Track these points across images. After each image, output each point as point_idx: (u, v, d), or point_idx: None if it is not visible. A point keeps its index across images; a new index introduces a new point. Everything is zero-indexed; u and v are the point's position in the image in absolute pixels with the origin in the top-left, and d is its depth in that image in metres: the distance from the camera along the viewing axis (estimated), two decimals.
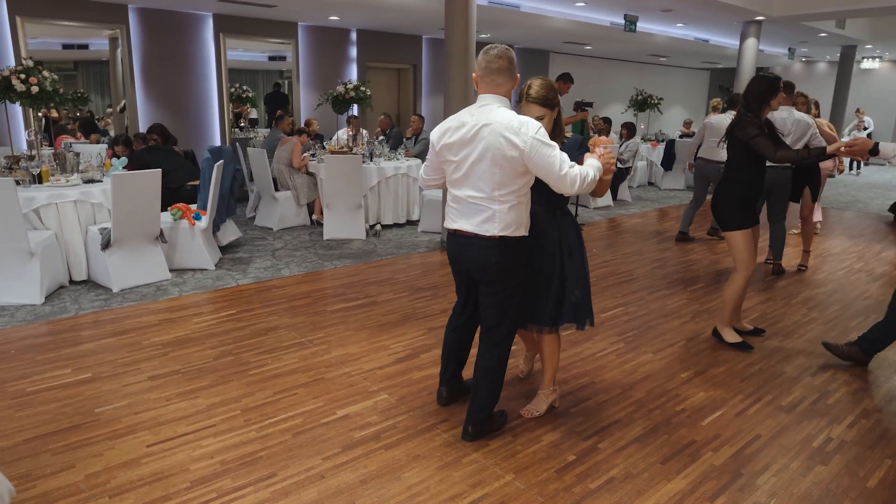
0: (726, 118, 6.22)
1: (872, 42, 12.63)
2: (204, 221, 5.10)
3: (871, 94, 16.29)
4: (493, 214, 2.47)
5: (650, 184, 11.53)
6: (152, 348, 3.58)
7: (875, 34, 12.35)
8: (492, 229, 2.49)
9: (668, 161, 10.90)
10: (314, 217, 7.14)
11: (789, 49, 13.72)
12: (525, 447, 2.71)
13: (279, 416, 2.87)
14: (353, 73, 10.04)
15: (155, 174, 4.53)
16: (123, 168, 5.05)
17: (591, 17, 9.89)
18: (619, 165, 9.41)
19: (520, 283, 2.66)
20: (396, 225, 7.28)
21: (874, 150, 3.27)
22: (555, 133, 2.68)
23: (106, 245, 4.38)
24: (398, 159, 7.35)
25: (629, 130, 10.14)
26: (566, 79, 7.15)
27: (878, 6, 8.66)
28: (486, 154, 2.42)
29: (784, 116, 5.39)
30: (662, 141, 11.73)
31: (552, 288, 2.78)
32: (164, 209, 5.14)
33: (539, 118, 2.59)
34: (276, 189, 6.99)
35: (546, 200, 2.74)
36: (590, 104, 7.20)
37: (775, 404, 3.22)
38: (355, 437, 2.73)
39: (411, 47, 10.87)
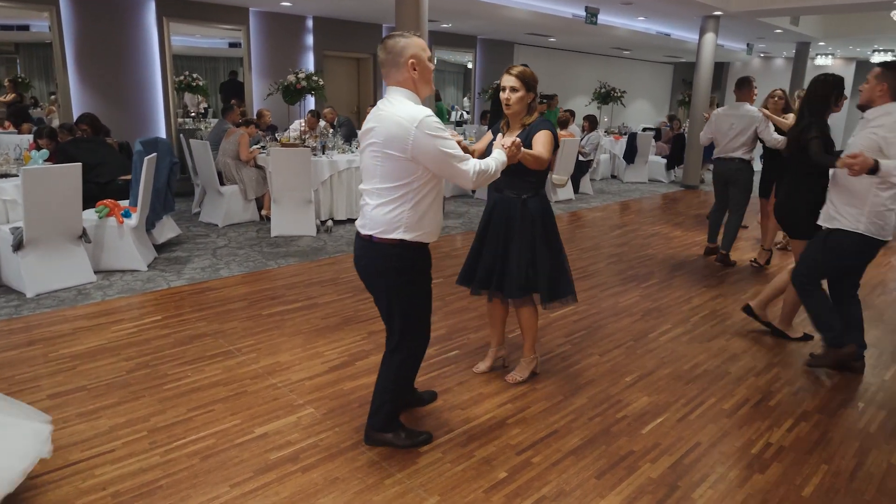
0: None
1: (825, 39, 12.81)
2: (134, 219, 4.81)
3: None
4: (367, 211, 2.36)
5: (613, 177, 11.51)
6: (59, 361, 3.31)
7: (827, 32, 12.52)
8: (364, 228, 2.38)
9: (631, 154, 10.88)
10: (263, 212, 6.87)
11: (748, 44, 13.83)
12: (455, 464, 2.55)
13: (189, 437, 2.65)
14: (309, 62, 9.73)
15: (74, 168, 4.23)
16: (45, 161, 4.73)
17: (552, 9, 9.75)
18: (581, 158, 9.34)
19: (401, 295, 2.40)
20: (350, 220, 7.05)
21: (874, 169, 2.94)
22: (527, 116, 2.97)
23: (18, 246, 4.07)
24: (353, 152, 7.11)
25: (590, 123, 10.08)
26: None
27: (828, 4, 8.72)
28: (374, 145, 2.29)
29: (728, 112, 5.42)
30: (625, 134, 11.71)
31: (518, 264, 3.02)
32: (92, 206, 4.84)
33: (513, 89, 2.89)
34: (222, 183, 6.69)
35: (511, 186, 3.00)
36: (549, 97, 7.06)
37: (718, 408, 3.12)
38: (271, 458, 2.53)
39: (371, 36, 10.58)
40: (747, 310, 4.22)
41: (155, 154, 5.05)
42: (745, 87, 5.44)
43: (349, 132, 7.96)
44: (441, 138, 2.22)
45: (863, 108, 3.38)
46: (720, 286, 5.15)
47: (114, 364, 3.30)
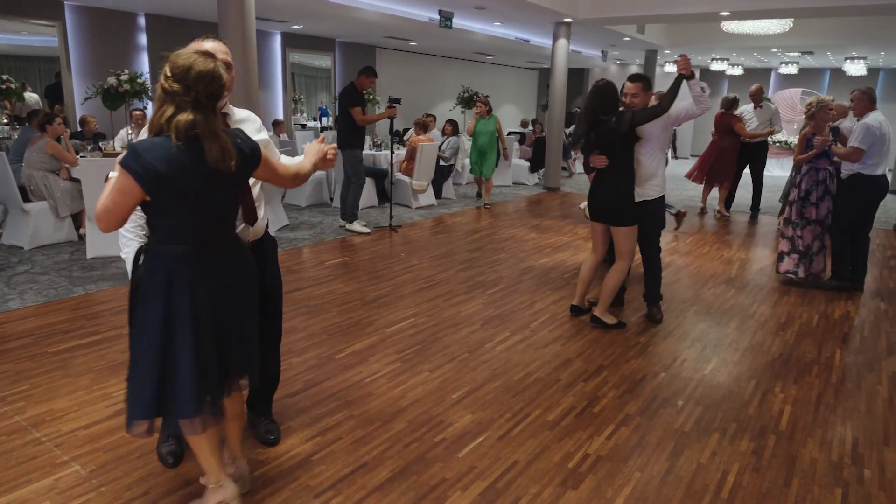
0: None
1: (670, 48, 13.73)
2: None
3: None
4: None
5: None
6: None
7: (671, 41, 13.44)
8: None
9: (503, 153, 10.96)
10: (81, 231, 6.09)
11: (602, 51, 14.54)
12: None
13: None
14: (144, 64, 8.88)
15: None
16: None
17: (406, 12, 9.62)
18: (442, 163, 9.26)
19: None
20: None
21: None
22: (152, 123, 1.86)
23: None
24: None
25: (452, 127, 10.04)
26: (369, 73, 6.76)
27: (663, 14, 9.28)
28: None
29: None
30: None
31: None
32: None
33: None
34: (27, 199, 5.85)
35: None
36: (398, 100, 6.86)
37: (541, 420, 3.02)
38: None
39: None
40: (596, 320, 4.30)
41: None
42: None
43: None
44: None
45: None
46: (565, 288, 5.17)
47: None
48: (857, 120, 5.11)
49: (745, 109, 8.57)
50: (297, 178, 2.24)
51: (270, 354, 2.55)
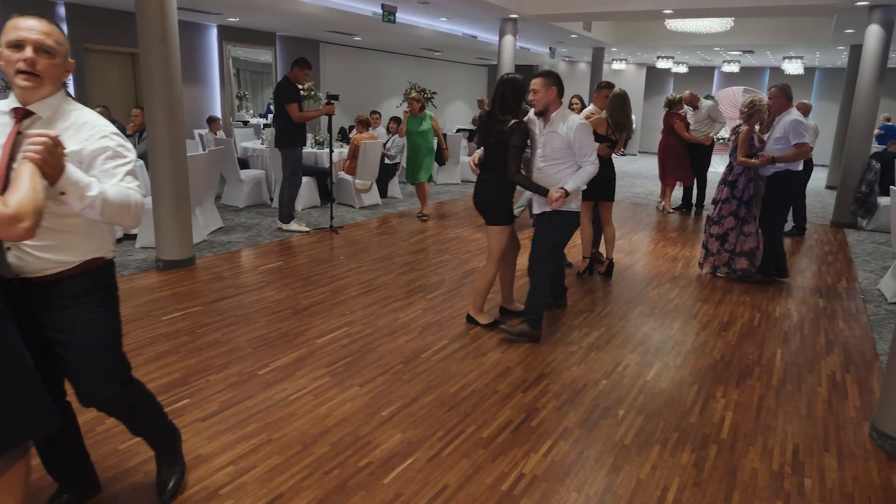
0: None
1: (616, 45, 13.81)
2: None
3: None
4: None
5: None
6: None
7: (617, 38, 13.51)
8: None
9: (442, 155, 10.78)
10: None
11: (550, 48, 14.52)
12: None
13: None
14: None
15: None
16: None
17: (348, 5, 9.32)
18: (387, 161, 9.01)
19: None
20: None
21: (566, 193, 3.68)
22: None
23: None
24: None
25: (397, 125, 9.80)
26: (302, 64, 6.47)
27: (608, 11, 9.26)
28: None
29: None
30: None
31: None
32: None
33: None
34: None
35: None
36: (336, 97, 6.58)
37: (476, 437, 2.83)
38: None
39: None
40: (470, 320, 4.25)
41: None
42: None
43: None
44: None
45: (541, 114, 3.85)
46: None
47: None
48: (777, 118, 5.17)
49: (686, 110, 8.74)
50: (15, 220, 1.53)
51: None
